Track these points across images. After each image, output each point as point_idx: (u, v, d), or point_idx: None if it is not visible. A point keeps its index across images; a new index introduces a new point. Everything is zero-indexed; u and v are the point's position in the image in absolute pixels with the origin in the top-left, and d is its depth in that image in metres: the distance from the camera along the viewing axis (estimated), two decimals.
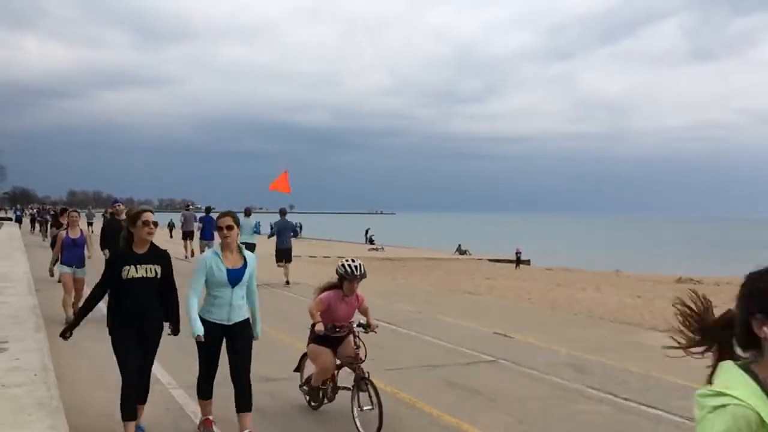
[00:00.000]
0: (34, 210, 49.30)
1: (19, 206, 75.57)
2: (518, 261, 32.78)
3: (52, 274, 9.92)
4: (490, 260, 36.09)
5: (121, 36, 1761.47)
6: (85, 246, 9.99)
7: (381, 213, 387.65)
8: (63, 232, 9.84)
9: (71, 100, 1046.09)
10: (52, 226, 21.71)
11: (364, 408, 5.15)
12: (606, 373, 7.40)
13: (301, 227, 49.02)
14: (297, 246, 19.42)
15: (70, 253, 9.70)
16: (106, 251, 9.54)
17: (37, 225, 38.31)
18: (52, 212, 39.51)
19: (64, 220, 14.17)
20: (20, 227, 41.83)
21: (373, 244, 45.66)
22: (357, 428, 5.15)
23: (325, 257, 27.40)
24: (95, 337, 5.91)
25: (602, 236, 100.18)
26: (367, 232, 54.46)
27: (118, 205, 10.95)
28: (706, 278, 26.52)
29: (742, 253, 54.97)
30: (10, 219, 63.13)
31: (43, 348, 6.81)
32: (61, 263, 9.70)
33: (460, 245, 43.27)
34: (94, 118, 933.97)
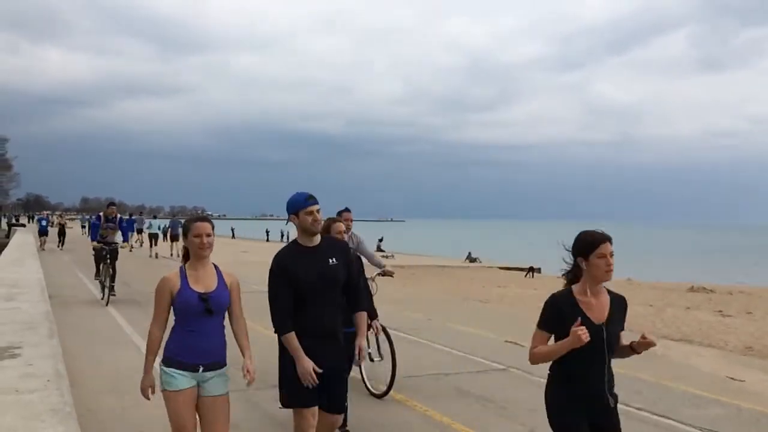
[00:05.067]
0: (64, 219, 37.14)
1: (45, 214, 53.78)
2: (531, 270, 32.59)
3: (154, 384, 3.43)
4: (501, 268, 36.02)
5: (140, 46, 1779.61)
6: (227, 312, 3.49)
7: (391, 220, 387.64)
8: (175, 278, 3.36)
9: (88, 109, 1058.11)
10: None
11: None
12: (618, 382, 7.27)
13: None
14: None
15: (196, 335, 3.34)
16: (291, 325, 3.60)
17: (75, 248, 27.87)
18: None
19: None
20: (44, 243, 29.99)
21: (383, 251, 45.67)
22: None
23: None
24: (109, 341, 5.93)
25: (614, 244, 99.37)
26: (381, 240, 55.02)
27: (317, 209, 3.67)
28: (719, 286, 26.29)
29: (756, 262, 54.44)
30: (23, 225, 57.65)
31: (57, 354, 6.85)
32: (163, 362, 3.36)
33: (470, 253, 43.20)
34: (110, 126, 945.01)
